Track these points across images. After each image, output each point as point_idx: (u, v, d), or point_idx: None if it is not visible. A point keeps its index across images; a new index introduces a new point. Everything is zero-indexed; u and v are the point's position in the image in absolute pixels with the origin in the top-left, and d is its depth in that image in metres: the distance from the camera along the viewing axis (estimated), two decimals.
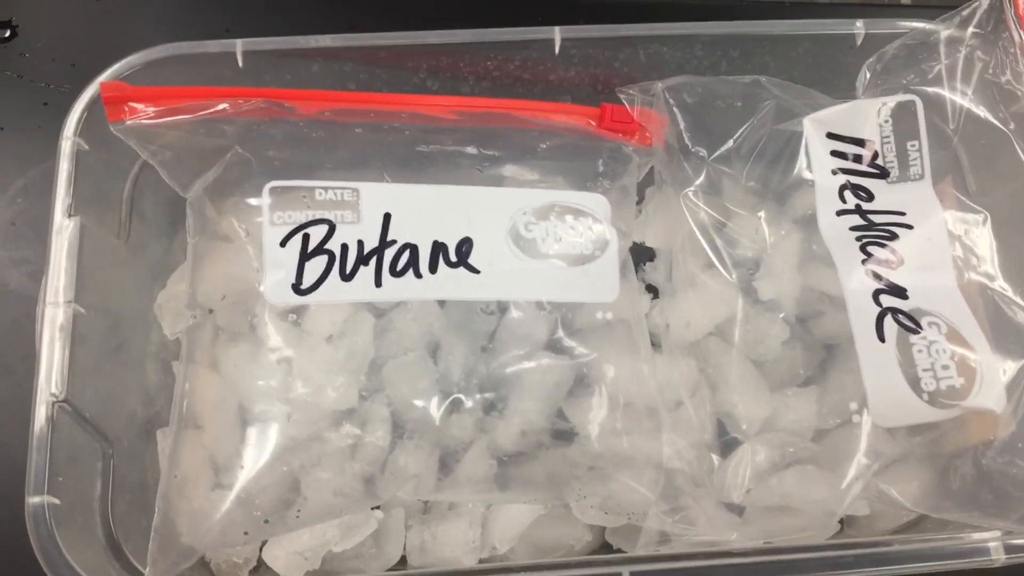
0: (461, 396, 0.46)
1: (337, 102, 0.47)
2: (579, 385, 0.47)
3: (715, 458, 0.48)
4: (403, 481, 0.45)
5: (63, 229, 0.45)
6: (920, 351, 0.45)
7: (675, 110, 0.50)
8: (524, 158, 0.49)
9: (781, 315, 0.49)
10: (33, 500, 0.41)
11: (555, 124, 0.50)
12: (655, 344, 0.50)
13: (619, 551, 0.49)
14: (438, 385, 0.46)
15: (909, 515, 0.49)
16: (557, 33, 0.51)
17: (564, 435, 0.47)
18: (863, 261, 0.47)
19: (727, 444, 0.48)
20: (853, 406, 0.46)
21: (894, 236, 0.47)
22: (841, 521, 0.49)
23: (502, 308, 0.47)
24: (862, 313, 0.46)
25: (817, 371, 0.50)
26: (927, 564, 0.44)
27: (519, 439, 0.46)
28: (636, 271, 0.52)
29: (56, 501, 0.42)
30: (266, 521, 0.44)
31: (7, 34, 0.63)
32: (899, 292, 0.46)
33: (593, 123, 0.50)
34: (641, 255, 0.54)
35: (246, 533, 0.44)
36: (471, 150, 0.49)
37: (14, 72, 0.62)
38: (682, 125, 0.50)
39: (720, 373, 0.49)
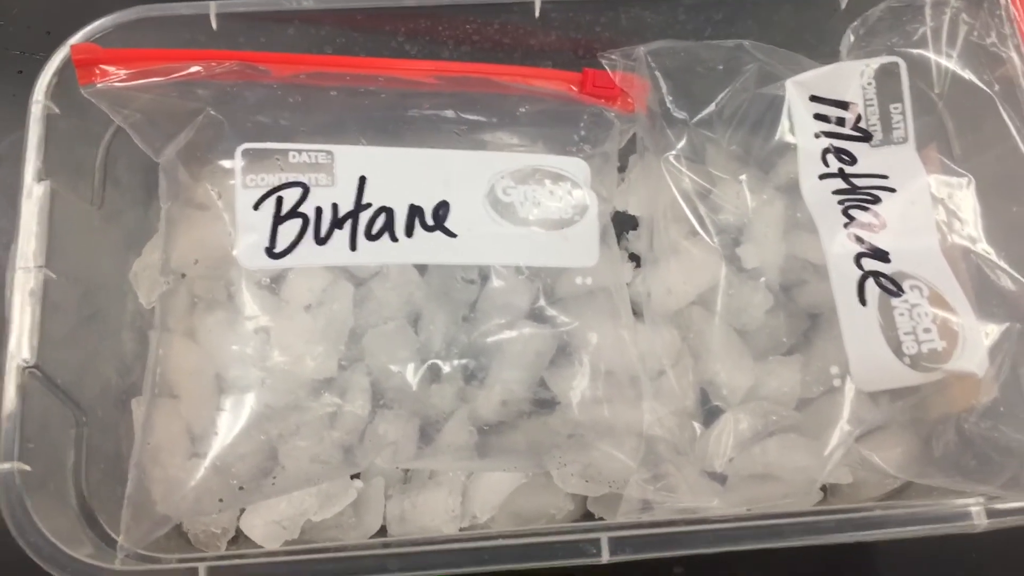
0: (442, 365, 0.45)
1: (312, 65, 0.47)
2: (561, 354, 0.47)
3: (697, 426, 0.47)
4: (381, 448, 0.45)
5: (33, 193, 0.45)
6: (902, 314, 0.45)
7: (657, 75, 0.49)
8: (504, 123, 0.49)
9: (763, 281, 0.48)
10: (2, 466, 0.41)
11: (535, 89, 0.49)
12: (637, 313, 0.50)
13: (601, 520, 0.49)
14: (419, 354, 0.46)
15: (893, 483, 0.49)
16: None
17: (545, 404, 0.46)
18: (845, 225, 0.47)
19: (710, 412, 0.48)
20: (834, 370, 0.46)
21: (877, 200, 0.47)
22: (824, 490, 0.49)
23: (483, 276, 0.47)
24: (844, 277, 0.46)
25: (801, 340, 0.50)
26: (908, 529, 0.43)
27: (500, 408, 0.46)
28: (619, 240, 0.51)
29: (27, 468, 0.41)
30: (241, 488, 0.43)
31: None
32: (881, 256, 0.46)
33: (574, 88, 0.50)
34: (624, 224, 0.53)
35: (221, 500, 0.43)
36: (450, 114, 0.48)
37: None
38: (664, 90, 0.49)
39: (703, 342, 0.48)
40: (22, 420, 0.42)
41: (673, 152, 0.49)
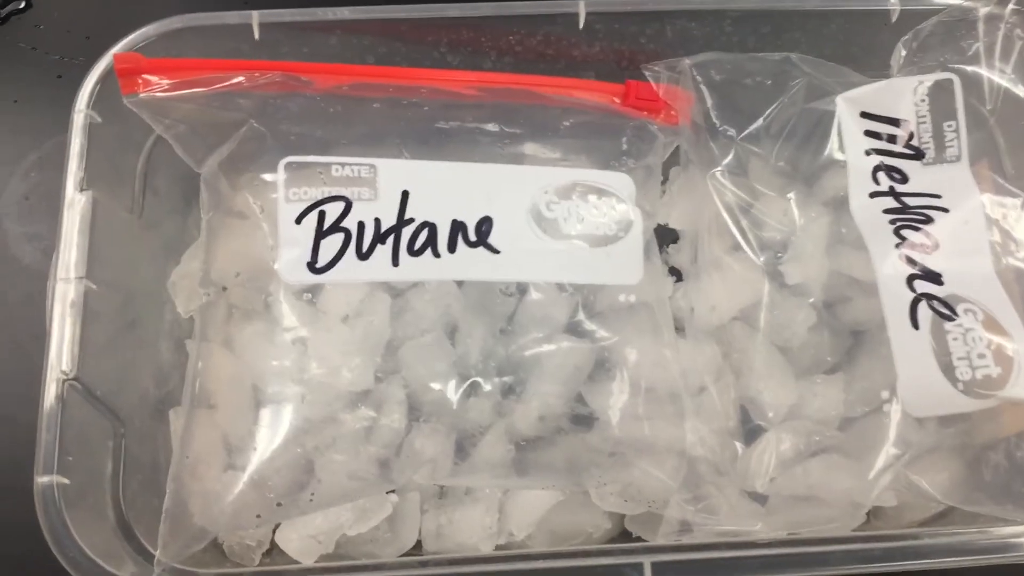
0: (479, 379, 0.45)
1: (355, 76, 0.46)
2: (599, 369, 0.46)
3: (739, 446, 0.46)
4: (419, 465, 0.44)
5: (75, 203, 0.45)
6: (955, 339, 0.44)
7: (702, 88, 0.49)
8: (546, 136, 0.48)
9: (809, 300, 0.48)
10: (42, 480, 0.41)
11: (578, 101, 0.48)
12: (678, 328, 0.49)
13: (639, 539, 0.49)
14: (455, 368, 0.45)
15: (937, 507, 0.48)
16: (582, 6, 0.50)
17: (583, 420, 0.46)
18: (897, 245, 0.46)
19: (751, 431, 0.47)
20: (884, 395, 0.45)
21: (929, 220, 0.46)
22: (867, 512, 0.48)
23: (521, 289, 0.46)
24: (895, 299, 0.45)
25: (844, 358, 0.49)
26: (958, 559, 0.43)
27: (537, 423, 0.45)
28: (659, 253, 0.50)
29: (66, 481, 0.41)
30: (279, 504, 0.43)
31: (22, 5, 0.62)
32: (934, 277, 0.45)
33: (617, 100, 0.49)
34: (664, 237, 0.52)
35: (259, 516, 0.43)
36: (492, 127, 0.48)
37: (28, 44, 0.61)
38: (709, 103, 0.48)
39: (745, 359, 0.48)
40: (61, 432, 0.42)
41: (719, 167, 0.48)
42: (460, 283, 0.46)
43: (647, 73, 0.49)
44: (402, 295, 0.46)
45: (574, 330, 0.46)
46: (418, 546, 0.49)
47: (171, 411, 0.48)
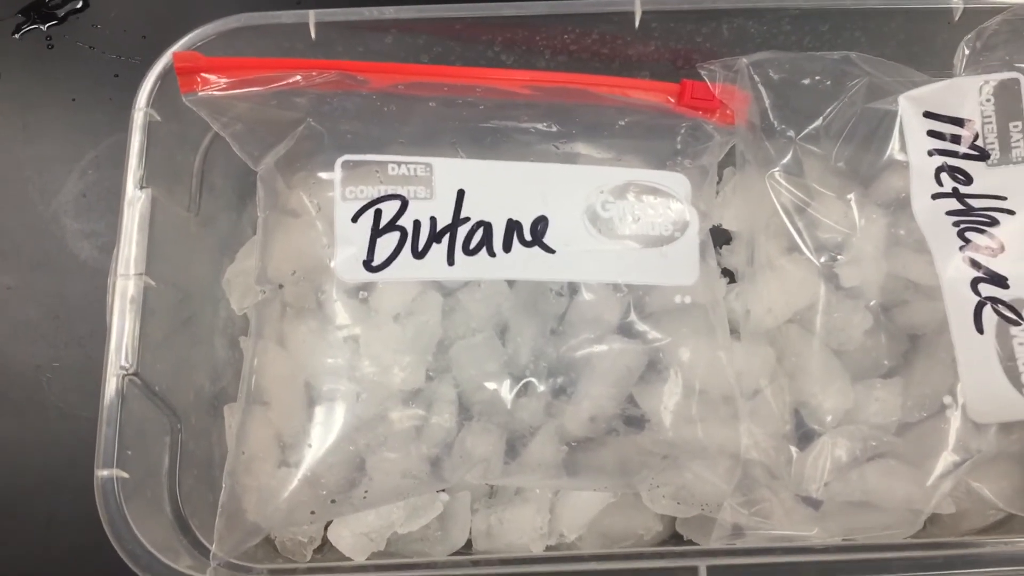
0: (529, 379, 0.45)
1: (411, 75, 0.46)
2: (651, 370, 0.46)
3: (793, 450, 0.46)
4: (471, 464, 0.44)
5: (135, 201, 0.45)
6: (1021, 344, 0.43)
7: (760, 87, 0.48)
8: (600, 135, 0.48)
9: (867, 303, 0.47)
10: (102, 473, 0.41)
11: (632, 101, 0.48)
12: (731, 330, 0.48)
13: (689, 542, 0.48)
14: (506, 367, 0.45)
15: (995, 515, 0.47)
16: (638, 5, 0.49)
17: (635, 421, 0.45)
18: (960, 248, 0.45)
19: (805, 435, 0.46)
20: (947, 400, 0.44)
21: (994, 222, 0.45)
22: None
23: (572, 290, 0.46)
24: (959, 302, 0.44)
25: (900, 362, 0.48)
26: (1021, 568, 0.42)
27: (588, 424, 0.45)
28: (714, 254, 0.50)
29: (125, 475, 0.42)
30: (333, 501, 0.43)
31: (79, 5, 0.63)
32: (999, 281, 0.44)
33: (672, 100, 0.49)
34: (718, 238, 0.52)
35: (313, 512, 0.43)
36: (546, 126, 0.47)
37: (86, 43, 0.62)
38: (767, 103, 0.48)
39: (800, 362, 0.47)
40: (121, 426, 0.42)
41: (777, 167, 0.47)
42: (511, 283, 0.46)
43: (703, 72, 0.49)
44: (453, 294, 0.46)
45: (626, 331, 0.46)
46: (468, 545, 0.49)
47: (225, 407, 0.49)
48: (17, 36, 0.62)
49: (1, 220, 0.58)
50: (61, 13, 0.63)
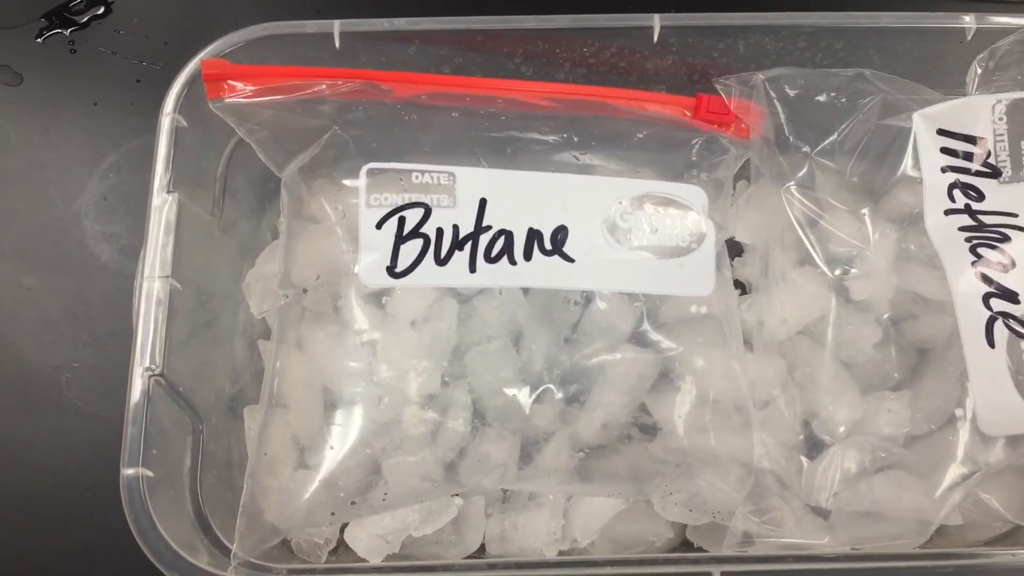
0: (543, 386, 0.45)
1: (433, 86, 0.47)
2: (663, 380, 0.46)
3: (803, 459, 0.46)
4: (488, 470, 0.45)
5: (162, 205, 0.46)
6: None
7: (776, 102, 0.49)
8: (618, 147, 0.49)
9: (878, 316, 0.48)
10: (128, 472, 0.42)
11: (649, 114, 0.49)
12: (744, 341, 0.49)
13: (700, 549, 0.49)
14: (520, 374, 0.46)
15: (1002, 526, 0.48)
16: (656, 21, 0.50)
17: (648, 429, 0.46)
18: (972, 263, 0.46)
19: (815, 446, 0.47)
20: (959, 412, 0.45)
21: (1006, 238, 0.46)
22: None
23: (587, 298, 0.46)
24: (971, 317, 0.45)
25: (909, 375, 0.48)
26: None
27: (601, 432, 0.46)
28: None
29: (150, 473, 0.42)
30: (353, 503, 0.44)
31: (101, 11, 0.64)
32: (1011, 296, 0.45)
33: (688, 113, 0.49)
34: (729, 250, 0.52)
35: (333, 514, 0.44)
36: (566, 138, 0.48)
37: (108, 49, 0.63)
38: (782, 118, 0.48)
39: (810, 373, 0.48)
40: (146, 426, 0.43)
41: (792, 182, 0.48)
42: (526, 291, 0.47)
43: (718, 86, 0.49)
44: (469, 301, 0.47)
45: (639, 340, 0.47)
46: (481, 549, 0.49)
47: (245, 409, 0.49)
48: (40, 40, 0.63)
49: (23, 222, 0.59)
50: (84, 19, 0.63)
